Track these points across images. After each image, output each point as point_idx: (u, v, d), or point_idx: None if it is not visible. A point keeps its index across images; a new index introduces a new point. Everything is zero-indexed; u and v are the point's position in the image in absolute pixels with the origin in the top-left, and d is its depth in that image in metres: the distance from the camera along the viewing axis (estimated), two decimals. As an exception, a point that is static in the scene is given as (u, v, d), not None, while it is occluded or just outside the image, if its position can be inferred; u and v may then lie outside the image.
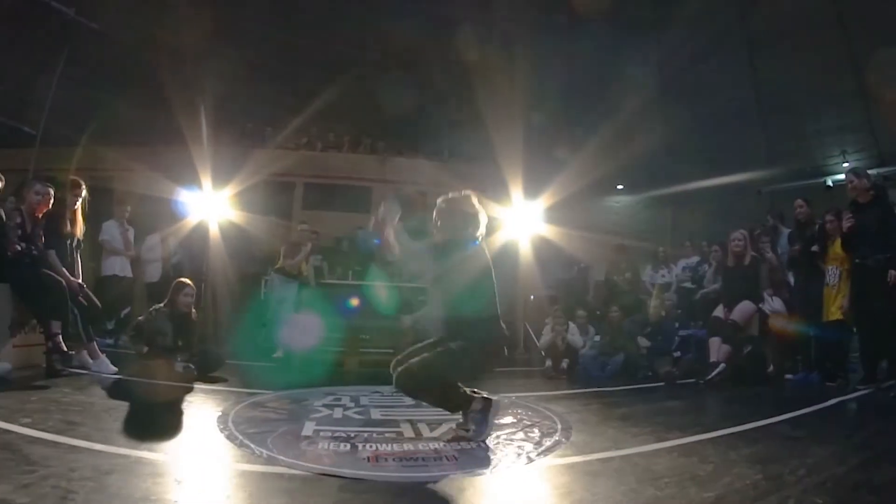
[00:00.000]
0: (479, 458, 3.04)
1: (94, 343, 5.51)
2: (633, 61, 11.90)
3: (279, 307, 7.75)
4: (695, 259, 8.97)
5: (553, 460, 3.02)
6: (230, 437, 3.28)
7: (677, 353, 6.85)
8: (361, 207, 11.52)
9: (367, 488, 2.55)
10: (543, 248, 10.00)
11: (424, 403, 3.61)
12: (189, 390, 4.82)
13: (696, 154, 12.19)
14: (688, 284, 8.61)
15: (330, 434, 3.43)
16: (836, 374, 5.87)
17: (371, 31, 13.00)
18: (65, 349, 5.05)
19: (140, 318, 6.20)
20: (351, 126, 12.87)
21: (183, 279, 6.20)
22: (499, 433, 3.51)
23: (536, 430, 3.66)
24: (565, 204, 10.06)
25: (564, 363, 6.89)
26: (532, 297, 10.26)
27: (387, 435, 3.45)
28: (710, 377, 5.96)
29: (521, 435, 3.56)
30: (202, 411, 4.11)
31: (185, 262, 8.94)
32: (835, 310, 5.94)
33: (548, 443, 3.34)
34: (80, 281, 5.62)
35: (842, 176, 10.79)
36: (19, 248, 5.12)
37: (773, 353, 6.52)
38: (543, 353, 7.21)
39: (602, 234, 10.91)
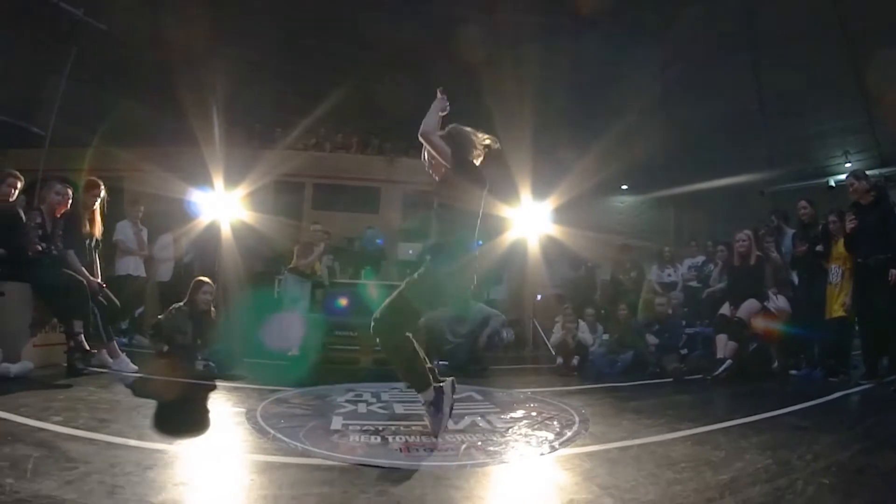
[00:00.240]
0: (506, 449, 3.21)
1: (114, 342, 5.56)
2: (638, 63, 12.01)
3: (293, 306, 7.88)
4: (700, 259, 9.14)
5: (575, 449, 3.18)
6: (262, 432, 3.35)
7: (684, 351, 6.98)
8: (370, 207, 11.66)
9: (404, 476, 2.63)
10: (550, 248, 10.15)
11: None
12: (212, 387, 4.88)
13: (699, 155, 12.32)
14: (694, 283, 8.78)
15: (359, 427, 3.53)
16: (839, 370, 6.01)
17: (378, 32, 13.03)
18: (87, 348, 5.10)
19: (159, 316, 6.30)
20: (359, 127, 12.97)
21: (202, 278, 6.30)
22: (521, 425, 3.71)
23: (556, 423, 3.83)
24: (571, 204, 10.21)
25: (575, 360, 7.02)
26: (539, 296, 10.41)
27: (413, 427, 3.55)
28: (717, 373, 6.10)
29: (542, 427, 3.74)
30: (228, 407, 4.18)
31: (196, 262, 8.97)
32: (837, 307, 6.08)
33: (568, 433, 3.51)
34: (99, 280, 5.67)
35: (844, 176, 10.95)
36: (40, 248, 5.18)
37: (778, 349, 6.68)
38: (554, 351, 7.35)
39: (607, 234, 11.04)
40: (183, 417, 3.84)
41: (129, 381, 4.97)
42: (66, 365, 5.08)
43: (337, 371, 6.03)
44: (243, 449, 3.08)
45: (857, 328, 6.19)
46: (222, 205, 9.28)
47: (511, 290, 10.49)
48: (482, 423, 3.82)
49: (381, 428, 3.54)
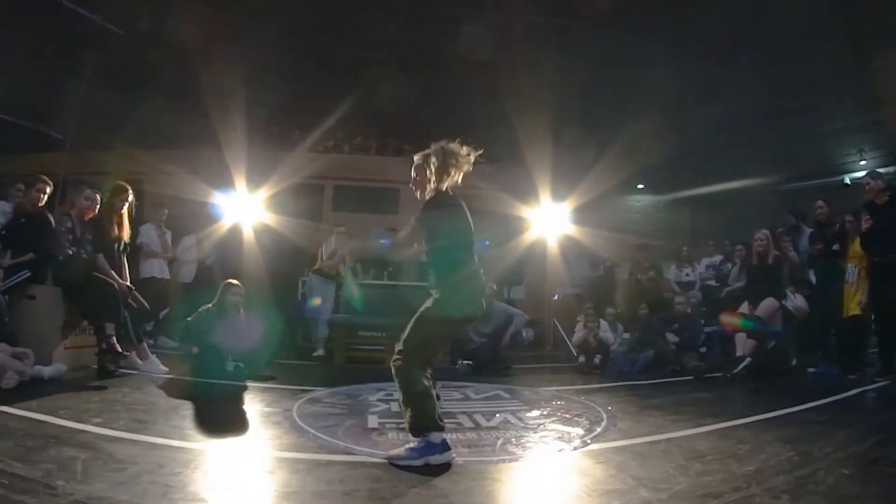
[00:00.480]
0: (540, 444, 3.41)
1: (144, 344, 5.66)
2: (652, 64, 12.06)
3: (318, 307, 8.09)
4: (718, 258, 9.24)
5: (605, 444, 3.38)
6: (300, 431, 3.48)
7: (704, 349, 7.13)
8: (389, 209, 11.75)
9: (448, 472, 2.76)
10: (569, 248, 10.28)
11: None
12: (244, 388, 5.00)
13: (714, 155, 12.38)
14: (712, 282, 8.89)
15: (395, 425, 3.64)
16: (856, 367, 6.14)
17: (394, 34, 13.12)
18: (119, 350, 5.22)
19: (188, 318, 6.49)
20: (378, 129, 13.10)
21: (231, 280, 6.45)
22: (551, 422, 3.91)
23: (584, 419, 4.03)
24: (589, 204, 10.31)
25: (597, 359, 7.16)
26: (556, 295, 10.52)
27: (449, 425, 3.44)
28: (736, 371, 6.26)
29: (571, 423, 3.93)
30: (262, 407, 4.25)
31: (218, 264, 9.00)
32: (854, 306, 6.21)
33: (598, 429, 3.71)
34: (128, 283, 5.79)
35: (859, 174, 11.01)
36: (70, 252, 5.32)
37: (795, 347, 6.80)
38: (576, 350, 7.47)
39: (623, 234, 11.12)
40: (221, 418, 3.97)
41: (161, 382, 5.08)
42: (96, 367, 5.18)
43: (364, 371, 6.15)
44: (284, 448, 3.18)
45: (873, 326, 6.29)
46: (244, 207, 9.33)
47: (531, 290, 10.59)
48: (513, 420, 4.02)
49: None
